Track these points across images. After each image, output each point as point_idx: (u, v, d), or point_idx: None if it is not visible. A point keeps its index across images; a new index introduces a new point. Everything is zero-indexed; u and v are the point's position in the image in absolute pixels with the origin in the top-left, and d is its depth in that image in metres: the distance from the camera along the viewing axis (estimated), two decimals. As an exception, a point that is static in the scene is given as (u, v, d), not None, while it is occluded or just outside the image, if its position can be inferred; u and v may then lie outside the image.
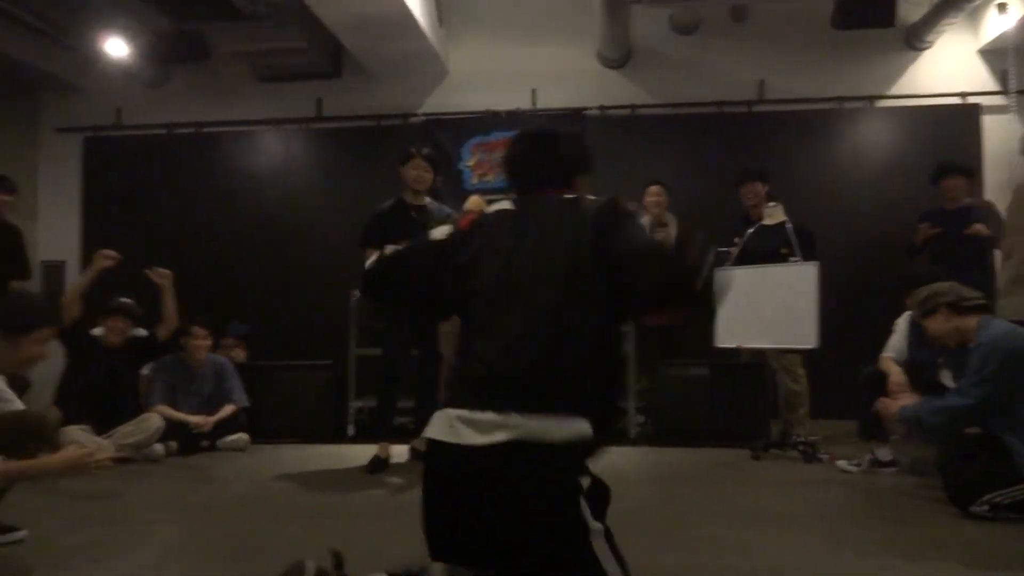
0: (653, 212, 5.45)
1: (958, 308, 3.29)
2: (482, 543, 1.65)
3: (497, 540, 1.64)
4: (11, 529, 2.73)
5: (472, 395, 1.67)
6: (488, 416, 1.61)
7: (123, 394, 4.71)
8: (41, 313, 2.72)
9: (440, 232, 1.96)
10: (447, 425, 1.66)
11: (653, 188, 5.51)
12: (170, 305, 4.79)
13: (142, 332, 4.92)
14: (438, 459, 1.70)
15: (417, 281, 2.01)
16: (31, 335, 2.57)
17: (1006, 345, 3.07)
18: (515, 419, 1.58)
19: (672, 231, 5.43)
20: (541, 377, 1.64)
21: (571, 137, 2.02)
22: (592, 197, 1.85)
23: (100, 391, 4.59)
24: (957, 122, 6.26)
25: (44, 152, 7.30)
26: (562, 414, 1.61)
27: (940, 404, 3.27)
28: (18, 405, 2.77)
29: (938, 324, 3.35)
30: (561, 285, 1.70)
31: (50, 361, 3.82)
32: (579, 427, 1.61)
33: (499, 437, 1.58)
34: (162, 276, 4.77)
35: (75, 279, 4.71)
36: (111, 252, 4.49)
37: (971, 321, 3.25)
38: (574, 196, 1.85)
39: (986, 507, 2.97)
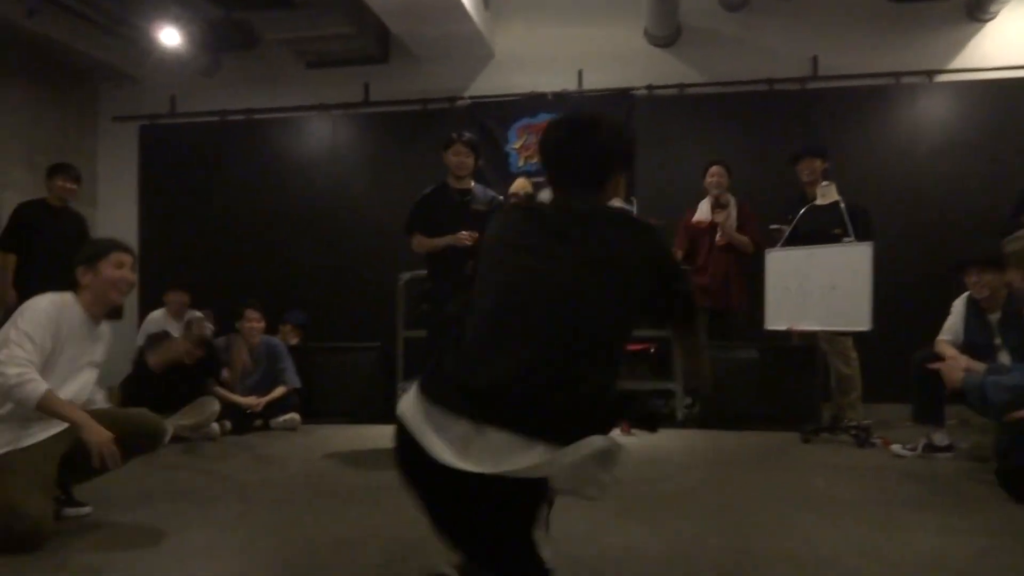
0: (713, 192, 5.39)
1: None
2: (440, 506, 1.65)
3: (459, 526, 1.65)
4: (79, 504, 2.85)
5: (454, 397, 1.57)
6: (462, 427, 1.53)
7: (183, 395, 4.74)
8: (112, 241, 2.94)
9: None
10: (422, 424, 1.58)
11: (714, 168, 5.43)
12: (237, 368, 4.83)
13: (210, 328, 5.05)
14: (408, 449, 1.60)
15: None
16: (108, 258, 2.79)
17: None
18: (491, 436, 1.50)
19: (732, 212, 5.37)
20: (532, 402, 1.54)
21: (614, 127, 1.82)
22: (624, 208, 1.75)
23: (162, 392, 4.62)
24: (1022, 96, 6.01)
25: (102, 140, 7.52)
26: (538, 439, 1.51)
27: (1009, 381, 3.20)
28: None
29: (1012, 277, 3.50)
30: (582, 313, 1.60)
31: (120, 356, 3.95)
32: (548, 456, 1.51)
33: (470, 466, 1.50)
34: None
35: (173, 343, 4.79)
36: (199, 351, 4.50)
37: None
38: (628, 220, 1.74)
39: None
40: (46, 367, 2.65)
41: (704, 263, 5.44)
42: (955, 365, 3.65)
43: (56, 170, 5.53)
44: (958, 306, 4.11)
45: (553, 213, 1.77)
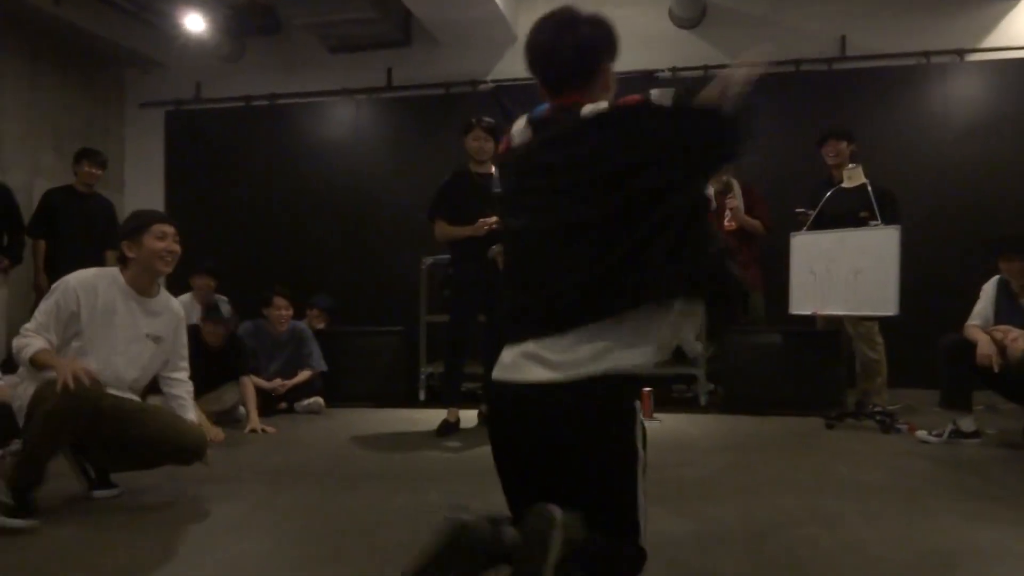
0: (720, 180, 5.30)
1: None
2: (542, 467, 1.72)
3: (555, 461, 1.70)
4: (111, 485, 2.91)
5: (532, 324, 1.72)
6: (555, 342, 1.66)
7: (207, 381, 4.66)
8: (153, 214, 3.01)
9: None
10: (511, 362, 1.73)
11: None
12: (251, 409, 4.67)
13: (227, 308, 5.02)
14: (502, 399, 1.76)
15: None
16: (150, 230, 2.84)
17: None
18: (584, 348, 1.63)
19: (737, 192, 5.31)
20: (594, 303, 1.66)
21: (594, 18, 1.88)
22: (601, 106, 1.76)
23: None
24: (1057, 76, 5.87)
25: (129, 126, 7.61)
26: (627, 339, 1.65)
27: None
28: (191, 413, 3.06)
29: None
30: (593, 225, 1.69)
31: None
32: (642, 355, 1.66)
33: (569, 373, 1.63)
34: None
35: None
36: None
37: None
38: (598, 112, 1.74)
39: None
40: (82, 339, 2.72)
41: None
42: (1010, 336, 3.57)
43: (82, 156, 5.60)
44: (988, 290, 4.04)
45: (536, 149, 1.82)
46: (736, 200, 5.29)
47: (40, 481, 2.58)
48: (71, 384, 2.48)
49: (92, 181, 5.59)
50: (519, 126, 1.90)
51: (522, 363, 1.70)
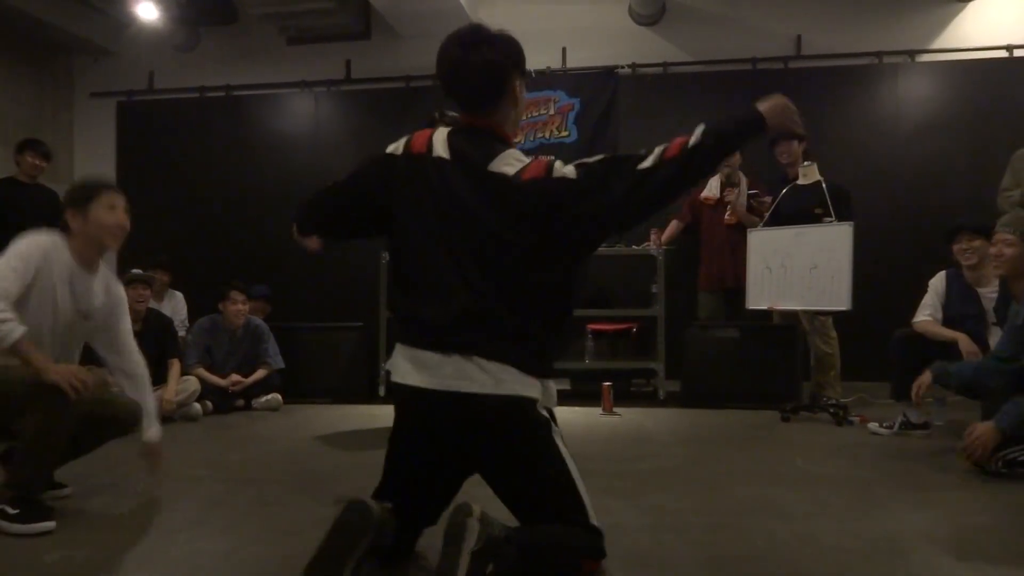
0: (724, 172, 5.33)
1: None
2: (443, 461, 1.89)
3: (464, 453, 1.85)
4: (59, 485, 2.83)
5: (428, 336, 1.81)
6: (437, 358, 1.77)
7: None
8: (101, 181, 2.79)
9: (393, 146, 2.00)
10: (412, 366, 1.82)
11: None
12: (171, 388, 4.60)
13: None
14: (408, 401, 1.87)
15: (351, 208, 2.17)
16: (97, 200, 2.63)
17: None
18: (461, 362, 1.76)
19: (743, 190, 5.35)
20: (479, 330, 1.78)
21: (500, 40, 1.93)
22: (523, 160, 1.90)
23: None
24: (1003, 77, 6.05)
25: (79, 117, 7.40)
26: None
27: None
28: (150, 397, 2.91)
29: None
30: (493, 254, 1.81)
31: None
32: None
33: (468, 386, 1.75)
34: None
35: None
36: None
37: None
38: (516, 168, 1.87)
39: (1000, 463, 2.97)
40: (22, 308, 2.51)
41: (710, 239, 5.46)
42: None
43: (25, 146, 5.43)
44: (937, 284, 4.15)
45: (450, 167, 1.90)
46: (735, 194, 5.32)
47: (41, 480, 2.43)
48: (80, 390, 2.33)
49: (35, 172, 5.43)
50: (441, 136, 1.94)
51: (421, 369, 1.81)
